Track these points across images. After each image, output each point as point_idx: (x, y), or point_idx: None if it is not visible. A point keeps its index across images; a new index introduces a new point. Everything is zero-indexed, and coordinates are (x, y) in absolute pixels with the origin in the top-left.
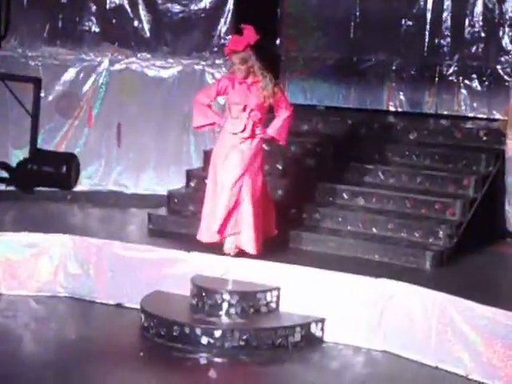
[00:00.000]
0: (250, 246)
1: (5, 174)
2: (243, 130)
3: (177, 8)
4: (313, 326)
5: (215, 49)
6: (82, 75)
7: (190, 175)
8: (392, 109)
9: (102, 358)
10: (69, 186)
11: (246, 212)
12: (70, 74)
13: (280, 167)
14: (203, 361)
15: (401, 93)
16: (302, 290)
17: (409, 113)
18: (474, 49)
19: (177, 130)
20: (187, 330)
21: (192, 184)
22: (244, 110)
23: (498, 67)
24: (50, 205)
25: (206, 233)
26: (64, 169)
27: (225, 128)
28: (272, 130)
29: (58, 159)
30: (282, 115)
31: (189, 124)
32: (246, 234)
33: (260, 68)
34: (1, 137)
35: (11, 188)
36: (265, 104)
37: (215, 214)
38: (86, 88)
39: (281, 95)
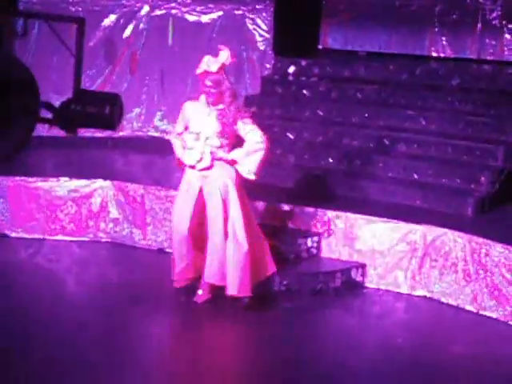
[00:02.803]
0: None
1: (49, 115)
2: (199, 161)
3: None
4: (353, 271)
5: None
6: (122, 21)
7: None
8: (434, 54)
9: (143, 301)
10: (112, 125)
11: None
12: (110, 19)
13: (321, 113)
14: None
15: (443, 38)
16: (342, 236)
17: (451, 58)
18: None
19: None
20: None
21: None
22: (198, 138)
23: None
24: (91, 150)
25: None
26: (107, 109)
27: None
28: (237, 154)
29: (101, 99)
30: (256, 150)
31: (229, 68)
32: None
33: (231, 94)
34: (42, 82)
35: (54, 130)
36: (224, 132)
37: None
38: (126, 34)
39: (248, 125)
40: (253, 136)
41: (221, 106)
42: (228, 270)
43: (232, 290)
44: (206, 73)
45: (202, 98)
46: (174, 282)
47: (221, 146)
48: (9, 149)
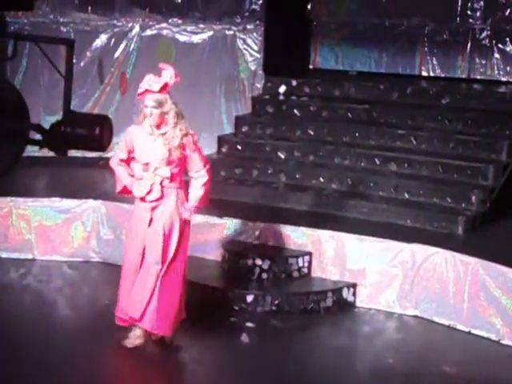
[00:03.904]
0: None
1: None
2: (149, 192)
3: None
4: (344, 291)
5: (246, 14)
6: (113, 41)
7: (221, 141)
8: (424, 73)
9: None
10: (102, 147)
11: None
12: (101, 39)
13: (312, 133)
14: (235, 325)
15: (433, 57)
16: (333, 256)
17: (441, 77)
18: (508, 12)
19: (208, 95)
20: (219, 295)
21: (223, 150)
22: (147, 168)
23: None
24: (82, 171)
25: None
26: (97, 130)
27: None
28: (193, 201)
29: (91, 121)
30: (200, 180)
31: (220, 89)
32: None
33: (175, 116)
34: (33, 103)
35: (44, 150)
36: (171, 158)
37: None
38: (117, 54)
39: (192, 149)
40: (196, 166)
41: (165, 129)
42: (153, 307)
43: (154, 327)
44: (148, 92)
45: (146, 122)
46: (117, 317)
47: (172, 177)
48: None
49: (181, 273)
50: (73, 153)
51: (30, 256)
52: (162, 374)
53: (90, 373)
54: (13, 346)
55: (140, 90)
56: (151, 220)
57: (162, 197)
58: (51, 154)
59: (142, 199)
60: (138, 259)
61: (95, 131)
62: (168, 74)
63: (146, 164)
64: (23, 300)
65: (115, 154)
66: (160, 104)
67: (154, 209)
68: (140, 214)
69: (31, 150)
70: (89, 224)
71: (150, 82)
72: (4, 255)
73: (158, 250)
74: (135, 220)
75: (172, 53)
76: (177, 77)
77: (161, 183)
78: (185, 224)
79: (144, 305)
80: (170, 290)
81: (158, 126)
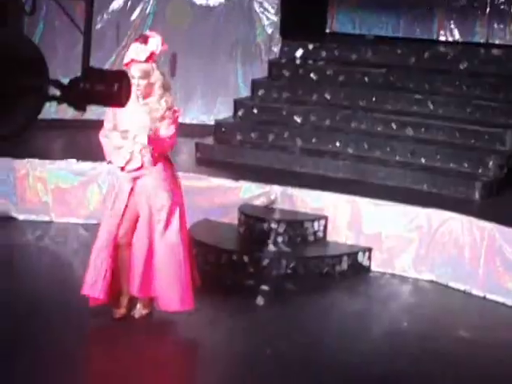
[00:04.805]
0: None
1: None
2: (129, 161)
3: None
4: (360, 255)
5: None
6: (129, 4)
7: (237, 104)
8: (442, 38)
9: None
10: (121, 103)
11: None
12: (118, 2)
13: (328, 97)
14: (250, 288)
15: (451, 22)
16: (349, 220)
17: (459, 42)
18: None
19: (224, 59)
20: (235, 258)
21: (239, 113)
22: (126, 136)
23: None
24: (98, 133)
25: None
26: (116, 86)
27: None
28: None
29: (109, 77)
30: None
31: (236, 53)
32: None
33: (161, 86)
34: (50, 64)
35: (61, 113)
36: (151, 127)
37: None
38: (133, 17)
39: (169, 124)
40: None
41: (151, 99)
42: (163, 283)
43: (171, 305)
44: (134, 62)
45: (136, 90)
46: (89, 298)
47: (152, 147)
48: (16, 127)
49: (181, 243)
50: (89, 115)
51: (46, 218)
52: (176, 338)
53: (105, 334)
54: (28, 308)
55: (126, 60)
56: (132, 191)
57: (142, 166)
58: (68, 115)
59: (122, 169)
60: (113, 231)
61: (114, 87)
62: (154, 42)
63: (125, 132)
64: (40, 262)
65: (102, 130)
66: (146, 74)
67: (135, 180)
68: (121, 184)
69: (49, 112)
70: (104, 186)
71: (137, 50)
72: (21, 217)
73: (145, 223)
74: (115, 191)
75: (185, 16)
76: (163, 45)
77: (140, 151)
78: (174, 194)
79: (140, 278)
80: (170, 261)
81: (144, 96)
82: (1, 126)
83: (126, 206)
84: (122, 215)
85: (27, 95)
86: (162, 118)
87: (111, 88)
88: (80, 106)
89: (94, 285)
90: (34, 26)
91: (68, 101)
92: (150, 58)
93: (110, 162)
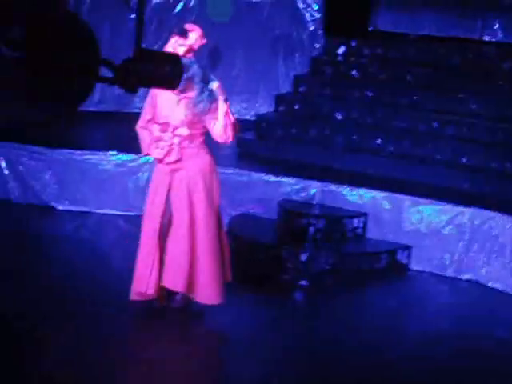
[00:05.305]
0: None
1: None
2: (167, 154)
3: None
4: (399, 253)
5: None
6: None
7: (278, 100)
8: (486, 38)
9: None
10: (172, 85)
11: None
12: None
13: (370, 94)
14: (288, 283)
15: (496, 22)
16: (389, 217)
17: (503, 42)
18: None
19: (267, 54)
20: (273, 253)
21: (281, 108)
22: (165, 129)
23: None
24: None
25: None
26: (168, 68)
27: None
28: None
29: (162, 59)
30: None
31: (278, 49)
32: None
33: (202, 79)
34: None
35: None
36: (195, 121)
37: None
38: (176, 11)
39: (225, 112)
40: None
41: (191, 93)
42: (200, 276)
43: (209, 298)
44: None
45: None
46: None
47: (191, 137)
48: (61, 111)
49: (217, 237)
50: (131, 109)
51: (85, 209)
52: (211, 330)
53: (143, 325)
54: (64, 299)
55: None
56: (171, 184)
57: (181, 159)
58: (110, 108)
59: (161, 161)
60: (157, 226)
61: (165, 69)
62: (193, 37)
63: (165, 124)
64: (78, 252)
65: (140, 120)
66: (185, 69)
67: (174, 172)
68: (159, 177)
69: (90, 104)
70: (144, 178)
71: (175, 45)
72: (60, 207)
73: (184, 217)
74: (154, 185)
75: (227, 10)
76: (203, 38)
77: (180, 144)
78: (210, 182)
79: (185, 274)
80: (208, 255)
81: (183, 91)
82: (45, 110)
83: (166, 199)
84: (163, 209)
85: (78, 76)
86: (210, 109)
87: (163, 70)
88: (131, 88)
89: (144, 281)
90: (81, 5)
91: (119, 82)
92: (188, 52)
93: (147, 154)
